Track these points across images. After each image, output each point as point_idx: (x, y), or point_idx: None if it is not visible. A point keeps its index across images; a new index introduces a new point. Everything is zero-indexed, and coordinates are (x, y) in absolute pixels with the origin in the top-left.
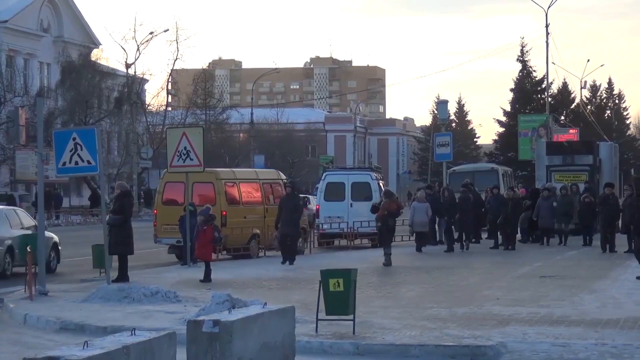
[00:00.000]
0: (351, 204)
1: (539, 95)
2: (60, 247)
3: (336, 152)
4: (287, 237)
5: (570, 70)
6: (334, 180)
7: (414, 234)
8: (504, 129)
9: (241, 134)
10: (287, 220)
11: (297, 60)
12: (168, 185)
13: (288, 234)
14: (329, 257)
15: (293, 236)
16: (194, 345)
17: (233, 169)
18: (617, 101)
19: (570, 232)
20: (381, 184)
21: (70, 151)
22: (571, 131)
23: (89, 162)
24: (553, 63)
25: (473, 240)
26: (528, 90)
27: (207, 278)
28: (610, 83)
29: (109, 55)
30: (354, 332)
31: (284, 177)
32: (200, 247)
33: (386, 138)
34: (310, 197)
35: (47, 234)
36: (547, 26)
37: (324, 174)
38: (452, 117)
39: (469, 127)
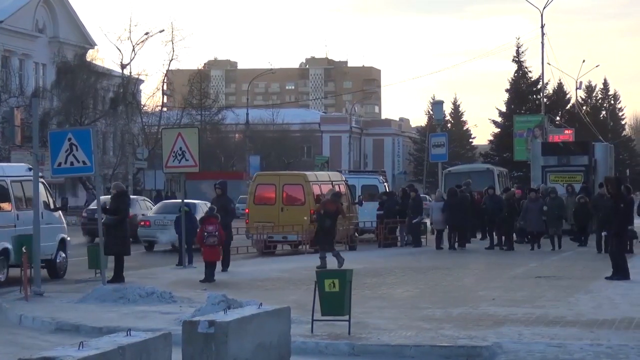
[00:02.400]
0: (362, 204)
1: (534, 96)
2: (68, 239)
3: (331, 153)
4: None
5: (565, 71)
6: (348, 183)
7: (435, 232)
8: (499, 130)
9: (237, 135)
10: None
11: (292, 60)
12: (259, 187)
13: (228, 241)
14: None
15: (228, 244)
16: (189, 346)
17: (315, 172)
18: (612, 102)
19: (564, 233)
20: (386, 186)
21: (66, 152)
22: (566, 132)
23: (84, 162)
24: (548, 64)
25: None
26: (523, 91)
27: (207, 278)
28: (605, 84)
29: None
30: (349, 333)
31: (344, 178)
32: (210, 250)
33: (382, 139)
34: None
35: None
36: (542, 27)
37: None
38: (448, 117)
39: (465, 128)
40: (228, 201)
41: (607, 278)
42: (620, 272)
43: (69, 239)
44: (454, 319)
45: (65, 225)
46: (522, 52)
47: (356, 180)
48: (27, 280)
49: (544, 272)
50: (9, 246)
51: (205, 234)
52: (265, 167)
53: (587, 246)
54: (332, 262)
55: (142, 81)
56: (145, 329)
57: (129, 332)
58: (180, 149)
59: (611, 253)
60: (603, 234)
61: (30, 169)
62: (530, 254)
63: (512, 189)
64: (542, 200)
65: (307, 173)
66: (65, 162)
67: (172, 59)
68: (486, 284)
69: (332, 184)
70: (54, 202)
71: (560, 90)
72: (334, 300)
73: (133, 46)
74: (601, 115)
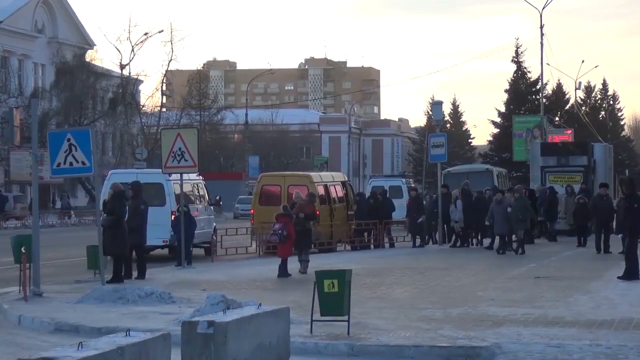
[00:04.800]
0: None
1: (533, 96)
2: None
3: (331, 153)
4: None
5: (564, 71)
6: (377, 184)
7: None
8: (498, 130)
9: (236, 135)
10: (130, 226)
11: (291, 61)
12: (264, 187)
13: (133, 245)
14: (332, 257)
15: (139, 246)
16: (188, 346)
17: (319, 173)
18: (611, 102)
19: (563, 233)
20: (409, 187)
21: (65, 152)
22: (566, 132)
23: (83, 163)
24: (548, 64)
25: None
26: (523, 91)
27: (282, 273)
28: (604, 84)
29: (103, 56)
30: (348, 333)
31: (345, 178)
32: (285, 248)
33: (381, 139)
34: None
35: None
36: (541, 27)
37: (370, 180)
38: (447, 118)
39: (464, 128)
40: (139, 203)
41: (619, 278)
42: (632, 273)
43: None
44: (453, 319)
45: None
46: (522, 52)
47: (384, 182)
48: (26, 280)
49: (543, 272)
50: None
51: (272, 231)
52: (265, 167)
53: (586, 247)
54: (335, 264)
55: (141, 81)
56: (145, 330)
57: (128, 333)
58: (180, 149)
59: (626, 253)
60: (620, 235)
61: (199, 175)
62: (529, 254)
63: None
64: (507, 203)
65: (312, 174)
66: (65, 163)
67: (171, 60)
68: (485, 284)
69: (335, 184)
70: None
71: (559, 90)
72: (333, 300)
73: (132, 46)
74: (600, 116)
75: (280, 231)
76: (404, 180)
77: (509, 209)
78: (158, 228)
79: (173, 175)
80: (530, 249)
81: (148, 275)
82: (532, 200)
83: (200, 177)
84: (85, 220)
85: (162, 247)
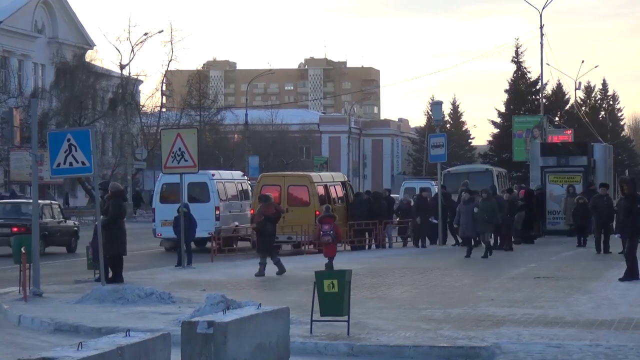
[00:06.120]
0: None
1: (533, 96)
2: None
3: (330, 153)
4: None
5: (564, 71)
6: (409, 186)
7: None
8: (498, 130)
9: (235, 135)
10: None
11: (291, 61)
12: (264, 187)
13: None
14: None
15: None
16: (188, 347)
17: (319, 173)
18: (611, 102)
19: (562, 233)
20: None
21: (65, 152)
22: (566, 132)
23: (83, 163)
24: (547, 64)
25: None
26: (522, 91)
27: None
28: (604, 84)
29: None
30: (348, 333)
31: (345, 178)
32: (330, 248)
33: (380, 139)
34: None
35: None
36: (541, 27)
37: (404, 182)
38: (447, 118)
39: (464, 128)
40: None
41: (620, 279)
42: (633, 274)
43: None
44: (453, 319)
45: None
46: (521, 52)
47: (415, 183)
48: (25, 280)
49: (543, 272)
50: None
51: (322, 233)
52: (265, 167)
53: (586, 247)
54: (336, 265)
55: (141, 82)
56: (144, 330)
57: (128, 333)
58: (180, 149)
59: (626, 254)
60: (617, 236)
61: (244, 175)
62: (529, 254)
63: (514, 190)
64: (474, 203)
65: (312, 174)
66: (65, 163)
67: (171, 60)
68: (485, 284)
69: (335, 185)
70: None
71: (559, 90)
72: (333, 300)
73: (132, 47)
74: (600, 116)
75: (330, 231)
76: (433, 182)
77: (475, 210)
78: (204, 222)
79: (216, 175)
80: (531, 249)
81: (147, 275)
82: (530, 201)
83: (245, 177)
84: (85, 221)
85: (208, 239)
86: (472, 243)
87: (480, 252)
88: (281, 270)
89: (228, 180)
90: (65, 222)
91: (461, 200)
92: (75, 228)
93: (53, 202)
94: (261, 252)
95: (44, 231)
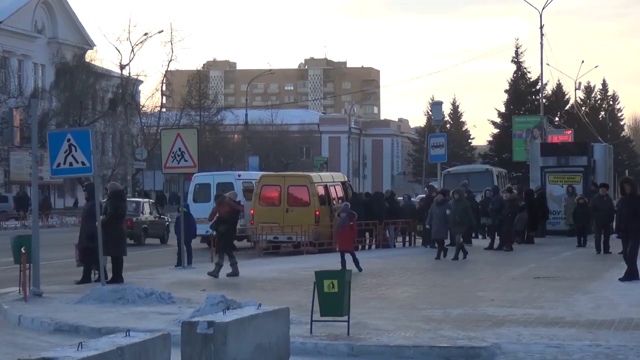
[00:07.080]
0: None
1: (533, 97)
2: None
3: (330, 154)
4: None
5: (564, 72)
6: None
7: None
8: (498, 130)
9: (235, 135)
10: (87, 231)
11: (291, 61)
12: (264, 188)
13: (87, 248)
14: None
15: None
16: (188, 347)
17: (319, 174)
18: (611, 102)
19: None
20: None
21: (65, 152)
22: (566, 132)
23: (83, 163)
24: (547, 64)
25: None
26: (522, 92)
27: (358, 266)
28: (604, 84)
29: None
30: (348, 333)
31: (345, 178)
32: (345, 240)
33: (380, 139)
34: None
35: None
36: (541, 27)
37: (431, 182)
38: (447, 118)
39: (464, 129)
40: (94, 205)
41: (620, 280)
42: (633, 274)
43: None
44: (453, 319)
45: None
46: (521, 52)
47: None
48: (25, 280)
49: (543, 272)
50: None
51: (340, 220)
52: (264, 167)
53: (586, 247)
54: (335, 265)
55: (141, 82)
56: (144, 330)
57: (128, 333)
58: (179, 149)
59: (626, 255)
60: (614, 235)
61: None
62: (529, 254)
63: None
64: (447, 204)
65: (312, 174)
66: (65, 163)
67: (171, 60)
68: (485, 284)
69: (335, 185)
70: None
71: (559, 90)
72: (333, 300)
73: (132, 47)
74: (600, 116)
75: (349, 222)
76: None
77: (447, 211)
78: None
79: (242, 175)
80: (530, 249)
81: (147, 275)
82: (530, 201)
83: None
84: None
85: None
86: (444, 244)
87: (479, 251)
88: (234, 273)
89: (254, 180)
90: (160, 217)
91: (434, 201)
92: (167, 223)
93: (150, 200)
94: (218, 252)
95: (143, 225)
